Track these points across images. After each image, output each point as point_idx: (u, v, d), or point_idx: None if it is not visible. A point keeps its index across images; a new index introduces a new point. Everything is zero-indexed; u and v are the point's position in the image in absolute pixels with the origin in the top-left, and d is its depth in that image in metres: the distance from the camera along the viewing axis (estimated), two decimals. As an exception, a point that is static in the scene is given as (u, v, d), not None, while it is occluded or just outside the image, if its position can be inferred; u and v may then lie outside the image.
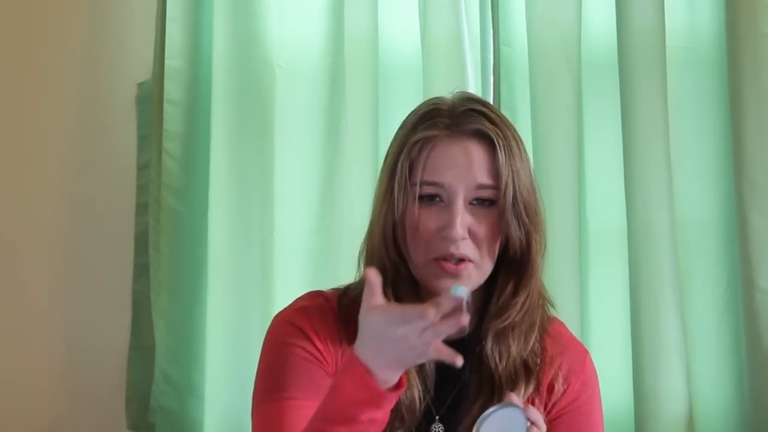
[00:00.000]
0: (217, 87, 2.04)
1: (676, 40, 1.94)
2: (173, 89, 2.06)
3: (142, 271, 2.14)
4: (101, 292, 2.17)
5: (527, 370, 1.33)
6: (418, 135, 1.32)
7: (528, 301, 1.33)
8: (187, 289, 2.06)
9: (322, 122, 2.04)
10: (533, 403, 1.33)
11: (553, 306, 1.40)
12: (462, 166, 1.29)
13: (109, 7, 2.20)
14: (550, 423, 1.33)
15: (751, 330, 1.85)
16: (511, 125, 1.35)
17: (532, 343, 1.34)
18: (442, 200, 1.29)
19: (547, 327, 1.38)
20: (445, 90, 1.95)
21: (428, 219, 1.29)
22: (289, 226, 2.04)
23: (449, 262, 1.28)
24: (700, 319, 1.92)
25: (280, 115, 2.05)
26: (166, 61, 2.06)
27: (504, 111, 1.99)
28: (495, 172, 1.29)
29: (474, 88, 2.00)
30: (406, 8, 2.06)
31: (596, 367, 1.90)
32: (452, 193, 1.28)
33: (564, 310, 1.87)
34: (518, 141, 1.33)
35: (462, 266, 1.28)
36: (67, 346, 2.16)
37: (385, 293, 1.29)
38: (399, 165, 1.32)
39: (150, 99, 2.13)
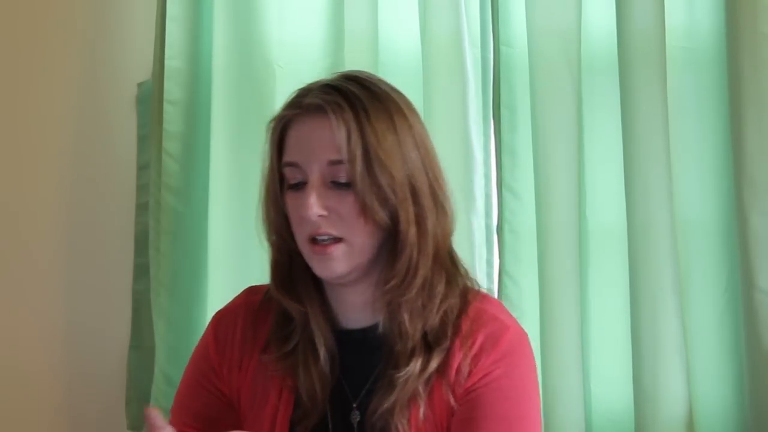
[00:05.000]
0: (217, 87, 2.04)
1: (676, 40, 1.94)
2: (173, 89, 2.07)
3: (142, 271, 2.14)
4: (101, 292, 2.17)
5: (427, 348, 1.29)
6: (277, 115, 1.33)
7: (409, 275, 1.29)
8: (187, 289, 2.07)
9: (322, 122, 2.04)
10: (439, 387, 1.29)
11: (470, 282, 1.36)
12: (310, 144, 1.28)
13: (109, 7, 2.20)
14: (459, 403, 1.30)
15: (751, 330, 1.84)
16: (386, 101, 1.30)
17: (433, 321, 1.30)
18: (306, 184, 1.29)
19: (467, 305, 1.33)
20: (445, 90, 1.98)
21: (296, 203, 1.29)
22: (289, 226, 2.04)
23: (318, 244, 1.28)
24: (700, 319, 1.92)
25: (280, 115, 2.04)
26: (166, 61, 2.07)
27: (504, 111, 1.99)
28: (340, 149, 1.26)
29: (474, 88, 2.00)
30: (406, 8, 2.06)
31: (598, 362, 1.89)
32: (307, 172, 1.28)
33: (564, 310, 1.89)
34: (392, 117, 1.29)
35: (332, 248, 1.27)
36: (67, 346, 2.16)
37: (282, 283, 1.34)
38: (267, 148, 1.33)
39: (150, 99, 2.13)
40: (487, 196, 2.04)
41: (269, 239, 1.36)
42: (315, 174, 1.27)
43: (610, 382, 1.95)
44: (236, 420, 1.38)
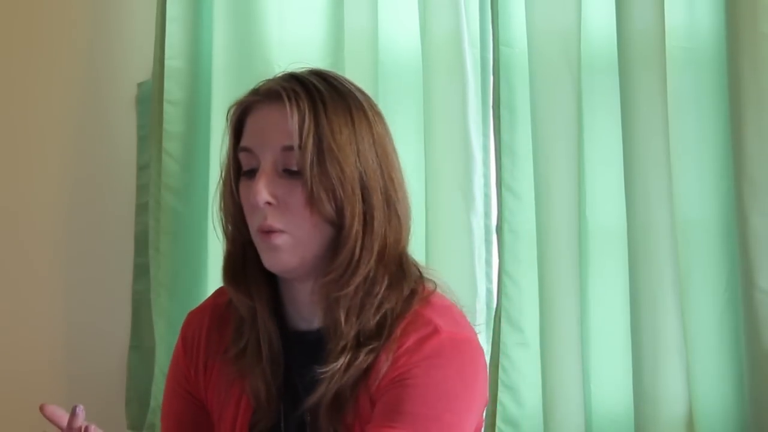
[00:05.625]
0: (217, 87, 2.04)
1: (676, 40, 1.94)
2: (173, 89, 2.07)
3: (142, 271, 2.14)
4: (101, 292, 2.17)
5: (356, 348, 1.26)
6: (235, 102, 1.32)
7: (348, 271, 1.26)
8: (187, 289, 2.07)
9: (322, 122, 2.04)
10: (365, 392, 1.26)
11: (427, 285, 1.32)
12: (265, 130, 1.27)
13: (109, 7, 2.20)
14: (376, 401, 1.26)
15: (751, 330, 1.85)
16: (348, 99, 1.28)
17: (370, 322, 1.27)
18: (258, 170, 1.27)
19: (407, 309, 1.29)
20: (445, 90, 1.98)
21: (246, 190, 1.27)
22: (289, 226, 2.04)
23: (265, 233, 1.25)
24: (700, 319, 1.92)
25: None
26: (166, 61, 2.07)
27: (504, 111, 1.99)
28: (292, 135, 1.24)
29: (474, 88, 2.00)
30: (406, 8, 2.06)
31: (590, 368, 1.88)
32: (259, 158, 1.26)
33: (564, 310, 1.89)
34: (351, 113, 1.27)
35: (274, 236, 1.25)
36: (67, 346, 2.16)
37: (234, 277, 1.32)
38: (225, 136, 1.32)
39: (150, 99, 2.13)
40: (487, 196, 2.04)
41: (224, 230, 1.34)
42: (267, 160, 1.26)
43: (610, 382, 1.95)
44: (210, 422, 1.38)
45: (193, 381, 1.39)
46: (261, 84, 1.31)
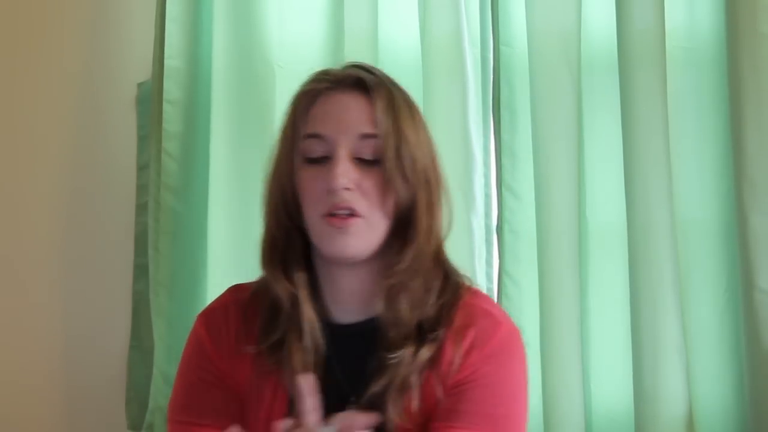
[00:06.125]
0: (216, 87, 2.04)
1: (676, 40, 1.94)
2: (173, 89, 2.07)
3: (142, 271, 2.14)
4: (101, 292, 2.17)
5: (420, 336, 1.29)
6: (302, 89, 1.34)
7: (416, 262, 1.30)
8: (187, 289, 2.06)
9: (322, 122, 2.04)
10: (430, 380, 1.29)
11: (463, 279, 1.38)
12: (342, 117, 1.29)
13: (109, 7, 2.20)
14: (446, 394, 1.29)
15: (751, 330, 1.85)
16: (404, 92, 1.35)
17: (429, 309, 1.31)
18: (329, 158, 1.29)
19: (458, 300, 1.34)
20: (445, 90, 1.98)
21: (316, 177, 1.29)
22: (289, 226, 2.04)
23: (337, 217, 1.27)
24: (700, 319, 1.92)
25: (279, 115, 2.02)
26: (165, 61, 2.06)
27: (504, 111, 1.99)
28: (377, 123, 1.29)
29: (474, 88, 2.00)
30: (406, 8, 2.06)
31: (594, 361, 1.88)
32: (334, 144, 1.28)
33: (564, 310, 1.89)
34: (410, 106, 1.34)
35: (351, 221, 1.27)
36: (67, 346, 2.16)
37: (274, 263, 1.33)
38: (285, 122, 1.34)
39: (150, 99, 2.13)
40: (487, 196, 2.04)
41: (271, 214, 1.35)
42: (343, 146, 1.28)
43: (610, 382, 1.95)
44: (242, 410, 1.37)
45: (227, 372, 1.37)
46: (322, 73, 1.34)
